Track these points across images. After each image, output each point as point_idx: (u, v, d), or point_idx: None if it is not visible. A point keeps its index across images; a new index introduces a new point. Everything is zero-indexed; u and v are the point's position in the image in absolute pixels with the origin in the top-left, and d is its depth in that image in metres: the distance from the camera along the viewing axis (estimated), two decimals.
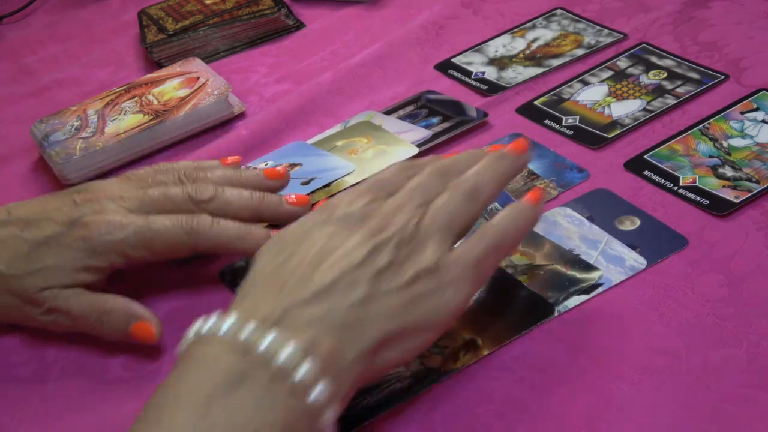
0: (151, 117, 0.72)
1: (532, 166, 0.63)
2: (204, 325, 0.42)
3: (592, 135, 0.66)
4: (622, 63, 0.73)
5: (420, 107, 0.72)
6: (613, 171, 0.62)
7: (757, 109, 0.65)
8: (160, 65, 0.84)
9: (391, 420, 0.47)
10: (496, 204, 0.59)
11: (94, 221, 0.53)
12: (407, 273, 0.44)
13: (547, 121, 0.68)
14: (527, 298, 0.53)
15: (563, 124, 0.68)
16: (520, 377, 0.48)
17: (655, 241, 0.55)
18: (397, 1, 0.90)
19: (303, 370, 0.39)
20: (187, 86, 0.76)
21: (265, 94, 0.79)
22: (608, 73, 0.72)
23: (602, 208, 0.58)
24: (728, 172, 0.59)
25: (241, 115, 0.76)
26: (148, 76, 0.79)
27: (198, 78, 0.77)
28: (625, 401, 0.45)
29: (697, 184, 0.59)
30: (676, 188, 0.59)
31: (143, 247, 0.53)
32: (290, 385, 0.39)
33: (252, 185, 0.58)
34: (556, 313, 0.51)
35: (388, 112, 0.72)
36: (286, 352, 0.39)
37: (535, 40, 0.79)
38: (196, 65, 0.79)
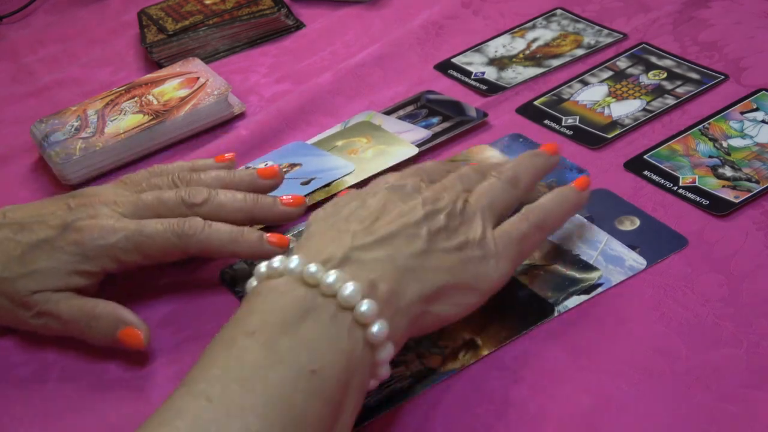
0: (151, 117, 0.72)
1: None
2: (270, 264, 0.43)
3: (592, 135, 0.66)
4: (622, 63, 0.73)
5: (420, 107, 0.72)
6: (613, 171, 0.62)
7: (756, 109, 0.65)
8: (160, 65, 0.84)
9: (391, 420, 0.47)
10: None
11: (87, 226, 0.53)
12: (458, 238, 0.47)
13: (546, 121, 0.68)
14: (527, 298, 0.53)
15: (563, 124, 0.68)
16: (520, 377, 0.48)
17: (655, 241, 0.55)
18: (397, 1, 0.90)
19: (365, 305, 0.41)
20: (187, 86, 0.76)
21: (265, 94, 0.79)
22: (608, 73, 0.72)
23: (602, 208, 0.58)
24: (728, 172, 0.59)
25: (241, 115, 0.76)
26: (148, 76, 0.79)
27: (198, 78, 0.77)
28: (625, 401, 0.45)
29: (696, 184, 0.59)
30: (676, 188, 0.59)
31: (135, 252, 0.53)
32: (354, 316, 0.41)
33: (246, 185, 0.58)
34: (556, 313, 0.51)
35: (388, 112, 0.72)
36: (349, 288, 0.42)
37: (535, 40, 0.79)
38: (196, 65, 0.79)
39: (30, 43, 0.95)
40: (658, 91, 0.69)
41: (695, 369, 0.47)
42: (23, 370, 0.54)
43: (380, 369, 0.43)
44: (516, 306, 0.52)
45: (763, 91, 0.66)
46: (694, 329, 0.49)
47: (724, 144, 0.62)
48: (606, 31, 0.78)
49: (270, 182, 0.59)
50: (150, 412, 0.49)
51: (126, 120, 0.73)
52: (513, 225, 0.50)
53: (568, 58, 0.75)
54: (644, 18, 0.78)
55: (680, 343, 0.48)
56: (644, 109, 0.67)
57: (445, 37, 0.82)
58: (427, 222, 0.47)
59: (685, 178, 0.60)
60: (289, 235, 0.58)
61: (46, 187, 0.72)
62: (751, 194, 0.57)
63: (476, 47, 0.79)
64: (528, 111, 0.70)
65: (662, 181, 0.60)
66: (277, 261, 0.43)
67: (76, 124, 0.73)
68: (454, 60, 0.78)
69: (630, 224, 0.57)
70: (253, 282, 0.44)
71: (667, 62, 0.72)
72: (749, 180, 0.58)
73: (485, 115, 0.69)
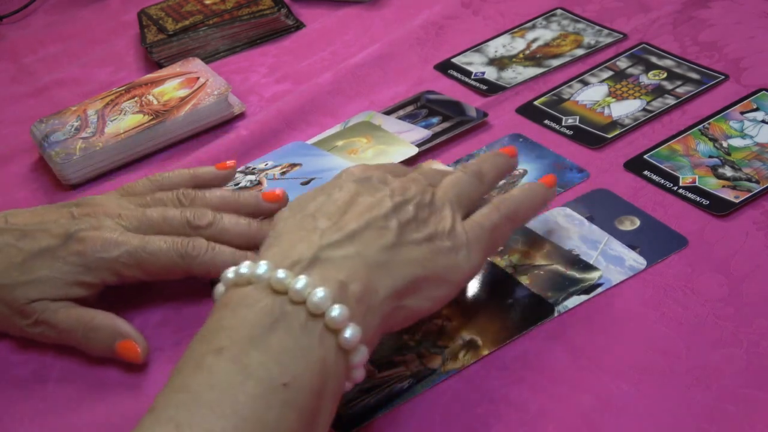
0: (151, 117, 0.72)
1: (531, 166, 0.63)
2: (237, 271, 0.42)
3: (592, 135, 0.66)
4: (622, 63, 0.73)
5: (420, 107, 0.72)
6: (613, 171, 0.62)
7: (757, 109, 0.65)
8: (160, 65, 0.84)
9: (391, 420, 0.47)
10: None
11: (89, 237, 0.53)
12: (428, 229, 0.47)
13: (546, 121, 0.68)
14: (527, 298, 0.53)
15: (563, 124, 0.67)
16: (520, 377, 0.48)
17: (655, 241, 0.55)
18: (397, 1, 0.90)
19: (336, 311, 0.40)
20: (187, 86, 0.76)
21: (265, 94, 0.79)
22: (608, 73, 0.72)
23: (602, 208, 0.58)
24: (728, 172, 0.59)
25: (241, 115, 0.76)
26: (148, 76, 0.79)
27: (198, 78, 0.77)
28: (625, 401, 0.45)
29: (696, 184, 0.59)
30: (676, 188, 0.59)
31: (137, 267, 0.53)
32: (325, 323, 0.40)
33: (250, 208, 0.58)
34: (556, 313, 0.51)
35: (388, 112, 0.72)
36: (318, 294, 0.40)
37: (534, 40, 0.79)
38: (196, 65, 0.79)
39: (30, 43, 0.95)
40: (658, 91, 0.69)
41: (695, 369, 0.47)
42: (23, 369, 0.54)
43: (354, 372, 0.42)
44: (516, 306, 0.52)
45: (763, 91, 0.66)
46: (694, 329, 0.49)
47: (724, 144, 0.62)
48: (606, 31, 0.78)
49: (274, 206, 0.59)
50: None
51: (126, 120, 0.73)
52: (484, 215, 0.49)
53: (568, 58, 0.75)
54: (644, 18, 0.78)
55: (680, 343, 0.48)
56: (644, 109, 0.67)
57: (445, 37, 0.82)
58: (396, 213, 0.46)
59: (685, 178, 0.60)
60: None
61: (46, 187, 0.71)
62: (751, 194, 0.57)
63: (476, 47, 0.79)
64: (528, 111, 0.70)
65: (662, 181, 0.60)
66: (244, 267, 0.42)
67: (76, 124, 0.73)
68: (454, 60, 0.78)
69: (630, 224, 0.57)
70: (220, 288, 0.43)
71: (667, 62, 0.72)
72: (749, 180, 0.58)
73: (485, 115, 0.69)
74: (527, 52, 0.77)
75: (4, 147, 0.78)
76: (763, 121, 0.63)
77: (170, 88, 0.76)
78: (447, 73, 0.77)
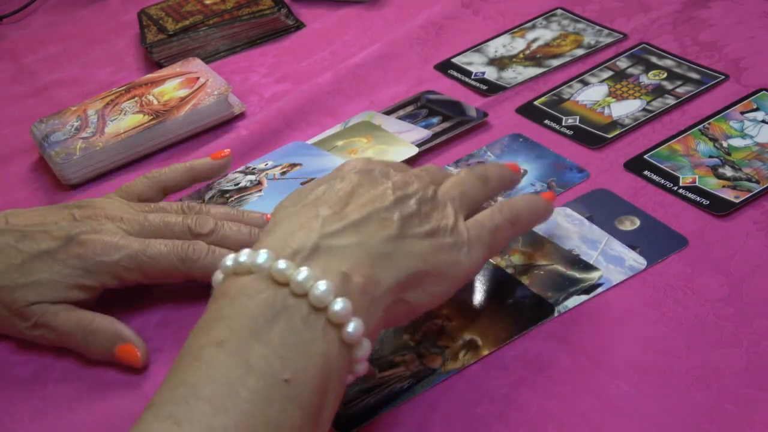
0: (151, 117, 0.72)
1: (532, 165, 0.63)
2: (237, 259, 0.41)
3: (592, 135, 0.66)
4: (622, 63, 0.73)
5: (420, 107, 0.72)
6: (613, 171, 0.62)
7: (757, 109, 0.65)
8: (160, 65, 0.84)
9: (391, 420, 0.47)
10: None
11: (90, 240, 0.53)
12: (430, 224, 0.46)
13: (547, 121, 0.68)
14: (527, 298, 0.53)
15: (563, 124, 0.67)
16: (520, 377, 0.48)
17: (655, 241, 0.55)
18: (397, 1, 0.90)
19: (339, 304, 0.39)
20: (187, 86, 0.76)
21: (265, 94, 0.79)
22: (608, 73, 0.72)
23: (602, 208, 0.58)
24: (728, 172, 0.59)
25: (241, 115, 0.76)
26: (148, 76, 0.79)
27: (198, 78, 0.77)
28: (625, 401, 0.45)
29: (697, 184, 0.59)
30: (676, 188, 0.59)
31: (137, 271, 0.53)
32: (327, 317, 0.40)
33: (253, 226, 0.58)
34: (556, 313, 0.51)
35: (388, 112, 0.72)
36: (321, 287, 0.39)
37: (535, 40, 0.79)
38: (196, 65, 0.79)
39: (30, 43, 0.95)
40: (658, 91, 0.69)
41: (695, 369, 0.47)
42: (23, 370, 0.54)
43: (357, 366, 0.41)
44: (516, 306, 0.52)
45: (763, 91, 0.66)
46: (694, 329, 0.49)
47: (725, 144, 0.62)
48: (606, 31, 0.78)
49: None
50: None
51: (126, 120, 0.73)
52: (486, 216, 0.49)
53: (568, 58, 0.75)
54: (644, 18, 0.78)
55: (680, 343, 0.48)
56: (644, 109, 0.67)
57: (445, 37, 0.82)
58: (399, 207, 0.45)
59: (686, 178, 0.60)
60: None
61: (46, 187, 0.72)
62: (751, 194, 0.57)
63: (476, 47, 0.79)
64: (528, 111, 0.70)
65: (662, 181, 0.60)
66: (244, 255, 0.41)
67: (76, 124, 0.73)
68: (454, 60, 0.78)
69: (630, 224, 0.57)
70: (219, 275, 0.42)
71: (667, 62, 0.72)
72: (749, 180, 0.58)
73: (485, 115, 0.69)
74: (527, 52, 0.77)
75: (4, 147, 0.78)
76: (763, 121, 0.63)
77: (170, 88, 0.76)
78: (447, 73, 0.77)
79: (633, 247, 0.55)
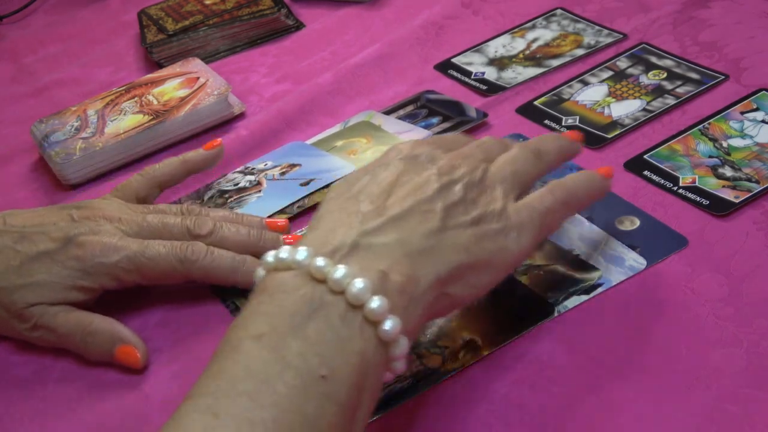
0: (151, 117, 0.72)
1: None
2: (277, 255, 0.41)
3: (592, 135, 0.66)
4: (622, 63, 0.73)
5: (420, 107, 0.72)
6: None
7: (757, 109, 0.65)
8: (160, 65, 0.84)
9: (391, 420, 0.47)
10: None
11: (89, 241, 0.53)
12: (475, 211, 0.45)
13: (547, 121, 0.68)
14: (527, 298, 0.53)
15: (563, 124, 0.68)
16: (520, 377, 0.48)
17: (655, 241, 0.55)
18: (397, 1, 0.90)
19: (375, 302, 0.39)
20: (187, 86, 0.76)
21: (265, 94, 0.79)
22: (608, 73, 0.72)
23: (602, 208, 0.58)
24: (728, 172, 0.59)
25: (241, 115, 0.76)
26: (148, 76, 0.79)
27: (198, 78, 0.77)
28: (625, 401, 0.45)
29: (696, 184, 0.59)
30: (676, 188, 0.59)
31: (136, 272, 0.53)
32: (364, 314, 0.39)
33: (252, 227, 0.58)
34: (556, 313, 0.51)
35: (388, 112, 0.72)
36: (358, 285, 0.39)
37: (534, 40, 0.79)
38: (196, 65, 0.79)
39: (30, 43, 0.95)
40: (658, 91, 0.69)
41: (695, 369, 0.47)
42: (23, 370, 0.54)
43: (395, 364, 0.41)
44: (516, 306, 0.52)
45: (763, 91, 0.66)
46: (694, 329, 0.49)
47: (724, 144, 0.62)
48: (606, 31, 0.78)
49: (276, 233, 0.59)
50: (149, 411, 0.50)
51: (126, 120, 0.73)
52: (536, 198, 0.47)
53: (568, 58, 0.75)
54: (644, 18, 0.78)
55: (680, 343, 0.48)
56: (644, 109, 0.67)
57: (445, 37, 0.82)
58: (442, 195, 0.44)
59: (685, 178, 0.60)
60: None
61: (46, 187, 0.72)
62: (751, 194, 0.57)
63: (476, 47, 0.79)
64: (528, 111, 0.70)
65: (662, 181, 0.60)
66: (284, 252, 0.41)
67: (76, 124, 0.73)
68: (454, 60, 0.78)
69: (630, 224, 0.57)
70: (260, 272, 0.43)
71: (667, 62, 0.72)
72: (749, 180, 0.58)
73: (485, 115, 0.69)
74: (527, 52, 0.77)
75: (4, 147, 0.78)
76: (763, 121, 0.63)
77: (170, 88, 0.76)
78: (447, 73, 0.77)
79: (633, 247, 0.55)
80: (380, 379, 0.41)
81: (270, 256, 0.42)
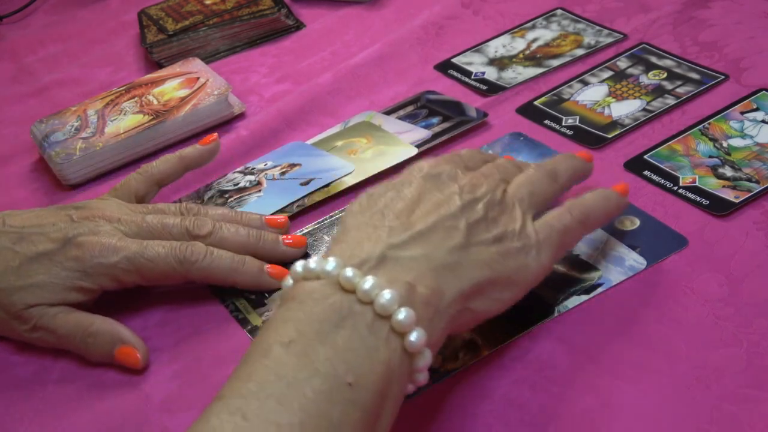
0: (151, 117, 0.72)
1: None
2: (306, 265, 0.42)
3: (592, 135, 0.66)
4: (622, 63, 0.73)
5: (420, 107, 0.72)
6: (613, 171, 0.62)
7: (757, 109, 0.65)
8: (160, 65, 0.84)
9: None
10: None
11: (88, 242, 0.53)
12: (497, 229, 0.46)
13: (547, 121, 0.68)
14: (527, 298, 0.52)
15: (563, 124, 0.67)
16: (520, 377, 0.48)
17: (655, 241, 0.55)
18: (397, 1, 0.90)
19: (402, 314, 0.40)
20: (187, 86, 0.76)
21: (265, 94, 0.79)
22: (608, 74, 0.72)
23: None
24: (728, 172, 0.59)
25: (241, 115, 0.76)
26: (148, 76, 0.79)
27: (198, 78, 0.77)
28: (625, 401, 0.45)
29: (697, 184, 0.59)
30: (676, 188, 0.59)
31: (135, 273, 0.53)
32: (391, 325, 0.40)
33: (252, 227, 0.58)
34: (555, 313, 0.51)
35: (388, 112, 0.72)
36: (386, 296, 0.40)
37: (535, 40, 0.79)
38: (196, 65, 0.79)
39: (30, 43, 0.95)
40: (658, 91, 0.69)
41: (695, 369, 0.47)
42: (23, 370, 0.54)
43: (418, 375, 0.42)
44: (516, 306, 0.52)
45: (763, 91, 0.66)
46: (694, 329, 0.49)
47: (725, 144, 0.62)
48: (606, 31, 0.78)
49: (275, 231, 0.59)
50: (149, 412, 0.50)
51: (126, 120, 0.73)
52: (555, 217, 0.49)
53: (568, 58, 0.75)
54: (644, 18, 0.78)
55: (680, 343, 0.48)
56: (644, 109, 0.67)
57: (445, 37, 0.82)
58: (466, 213, 0.46)
59: (685, 178, 0.60)
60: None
61: (46, 187, 0.72)
62: (751, 194, 0.57)
63: (476, 47, 0.79)
64: (528, 111, 0.70)
65: (662, 181, 0.60)
66: (313, 262, 0.42)
67: (76, 124, 0.73)
68: (454, 60, 0.78)
69: (630, 224, 0.57)
70: (288, 281, 0.43)
71: (667, 62, 0.72)
72: (749, 180, 0.58)
73: (485, 115, 0.69)
74: (527, 52, 0.77)
75: (4, 147, 0.78)
76: (763, 121, 0.63)
77: (170, 88, 0.76)
78: (447, 73, 0.77)
79: (633, 247, 0.55)
80: (403, 390, 0.41)
81: (299, 266, 0.42)
